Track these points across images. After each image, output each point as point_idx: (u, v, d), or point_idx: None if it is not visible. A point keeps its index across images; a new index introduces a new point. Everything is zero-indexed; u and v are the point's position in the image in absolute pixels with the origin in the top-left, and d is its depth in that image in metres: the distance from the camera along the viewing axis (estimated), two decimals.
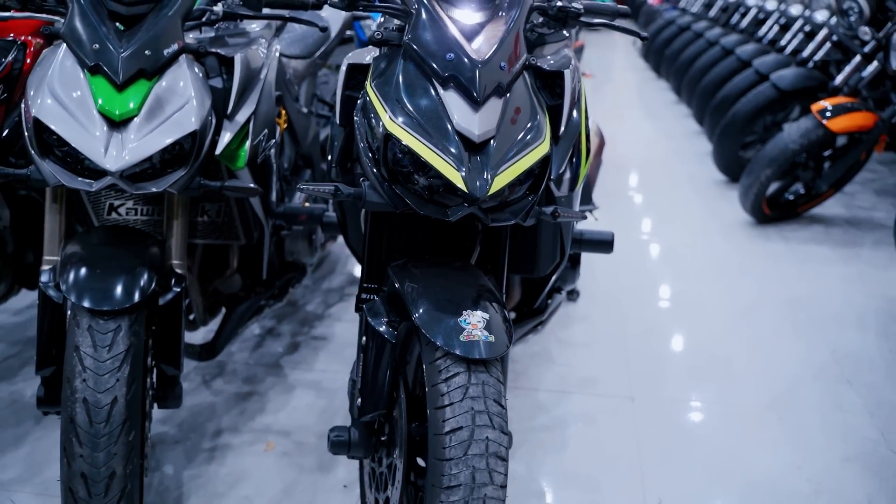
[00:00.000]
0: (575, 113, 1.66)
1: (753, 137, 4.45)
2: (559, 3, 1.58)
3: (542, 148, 1.40)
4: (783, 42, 5.01)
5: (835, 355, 2.68)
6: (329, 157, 1.68)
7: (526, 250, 1.72)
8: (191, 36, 1.80)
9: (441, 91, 1.36)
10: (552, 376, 2.51)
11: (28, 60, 2.17)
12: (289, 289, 2.30)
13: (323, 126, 2.75)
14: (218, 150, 1.72)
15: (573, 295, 2.76)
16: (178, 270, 1.74)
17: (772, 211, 3.86)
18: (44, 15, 1.96)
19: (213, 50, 1.80)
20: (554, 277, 1.88)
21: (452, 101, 1.35)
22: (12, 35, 2.18)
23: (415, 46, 1.40)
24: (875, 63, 3.65)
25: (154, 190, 1.58)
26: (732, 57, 5.28)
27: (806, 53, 4.37)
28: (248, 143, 1.79)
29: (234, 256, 2.10)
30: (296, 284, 2.34)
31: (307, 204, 2.16)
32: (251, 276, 2.19)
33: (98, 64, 1.55)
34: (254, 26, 2.01)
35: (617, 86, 8.46)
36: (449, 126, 1.34)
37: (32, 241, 2.38)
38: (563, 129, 1.59)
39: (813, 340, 2.80)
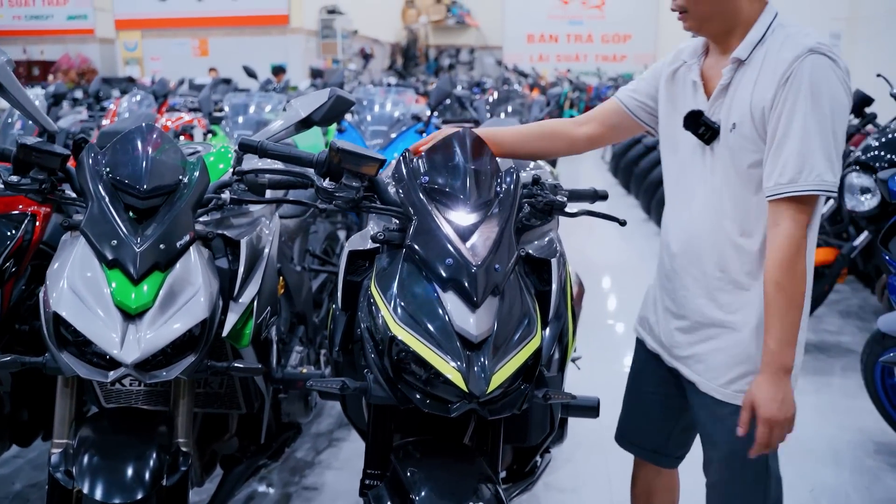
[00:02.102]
0: (561, 296, 1.79)
1: None
2: (546, 198, 1.73)
3: (535, 341, 1.51)
4: None
5: (813, 494, 2.76)
6: (330, 343, 1.78)
7: (518, 423, 1.81)
8: (199, 219, 1.92)
9: (441, 293, 1.48)
10: None
11: (37, 230, 2.29)
12: (285, 449, 2.35)
13: (314, 278, 2.86)
14: (225, 332, 1.81)
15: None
16: (184, 448, 1.80)
17: None
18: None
19: (220, 232, 1.92)
20: (545, 444, 1.97)
21: (452, 303, 1.47)
22: (21, 207, 2.30)
23: (416, 248, 1.52)
24: (832, 201, 3.89)
25: (165, 377, 1.66)
26: None
27: None
28: (252, 323, 1.89)
29: (234, 421, 2.16)
30: (291, 444, 2.39)
31: (304, 370, 2.24)
32: (249, 437, 2.23)
33: (116, 259, 1.65)
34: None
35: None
36: (449, 327, 1.45)
37: (27, 402, 2.42)
38: (551, 314, 1.71)
39: (790, 478, 2.84)
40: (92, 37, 14.21)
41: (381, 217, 1.87)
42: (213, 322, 1.75)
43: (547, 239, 1.84)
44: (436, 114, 4.35)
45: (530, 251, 1.75)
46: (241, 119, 4.40)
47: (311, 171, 1.69)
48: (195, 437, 2.14)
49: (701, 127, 1.58)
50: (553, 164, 6.42)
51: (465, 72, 18.60)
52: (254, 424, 2.20)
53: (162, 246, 1.69)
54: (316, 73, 11.85)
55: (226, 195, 1.90)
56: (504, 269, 1.53)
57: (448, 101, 5.08)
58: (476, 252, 1.52)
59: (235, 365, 1.81)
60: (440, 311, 1.46)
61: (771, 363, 1.51)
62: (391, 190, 1.68)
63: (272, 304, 1.98)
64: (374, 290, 1.54)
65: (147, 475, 1.61)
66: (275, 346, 2.11)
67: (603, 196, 1.90)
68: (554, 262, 1.73)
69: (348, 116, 4.54)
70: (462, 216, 1.58)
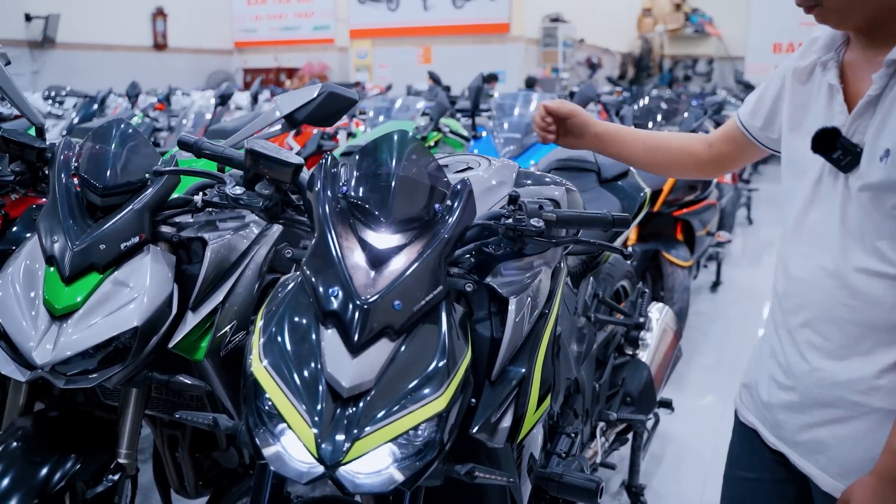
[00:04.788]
0: (532, 344, 1.42)
1: None
2: (508, 221, 1.37)
3: (437, 404, 1.19)
4: None
5: None
6: None
7: (465, 501, 1.47)
8: (178, 220, 1.81)
9: (322, 330, 1.22)
10: None
11: None
12: None
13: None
14: (171, 343, 1.68)
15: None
16: (123, 461, 1.70)
17: None
18: None
19: (199, 235, 1.79)
20: None
21: (330, 344, 1.20)
22: None
23: (306, 272, 1.27)
24: None
25: (86, 384, 1.56)
26: None
27: None
28: (210, 335, 1.74)
29: (222, 435, 2.03)
30: None
31: None
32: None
33: (52, 256, 1.59)
34: None
35: None
36: (318, 374, 1.18)
37: None
38: (496, 369, 1.36)
39: None
40: (332, 45, 15.28)
41: None
42: (154, 331, 1.63)
43: (529, 272, 1.48)
44: None
45: (495, 286, 1.41)
46: (381, 119, 4.39)
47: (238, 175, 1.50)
48: (188, 445, 2.05)
49: (837, 151, 1.15)
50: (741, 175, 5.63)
51: (701, 84, 17.41)
52: None
53: (102, 246, 1.61)
54: (530, 82, 11.71)
55: (198, 198, 1.77)
56: (409, 307, 1.23)
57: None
58: (375, 283, 1.23)
59: (177, 379, 1.68)
60: (315, 352, 1.20)
61: (888, 467, 1.11)
62: None
63: (240, 319, 1.81)
64: (258, 318, 1.31)
65: (53, 482, 1.53)
66: None
67: (623, 222, 1.47)
68: (514, 301, 1.38)
69: (486, 122, 4.30)
70: (381, 238, 1.30)
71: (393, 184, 1.32)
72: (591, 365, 2.12)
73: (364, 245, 1.29)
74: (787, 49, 16.82)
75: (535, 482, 1.65)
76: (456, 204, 1.34)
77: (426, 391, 1.19)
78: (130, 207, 1.66)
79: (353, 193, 1.33)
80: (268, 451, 1.20)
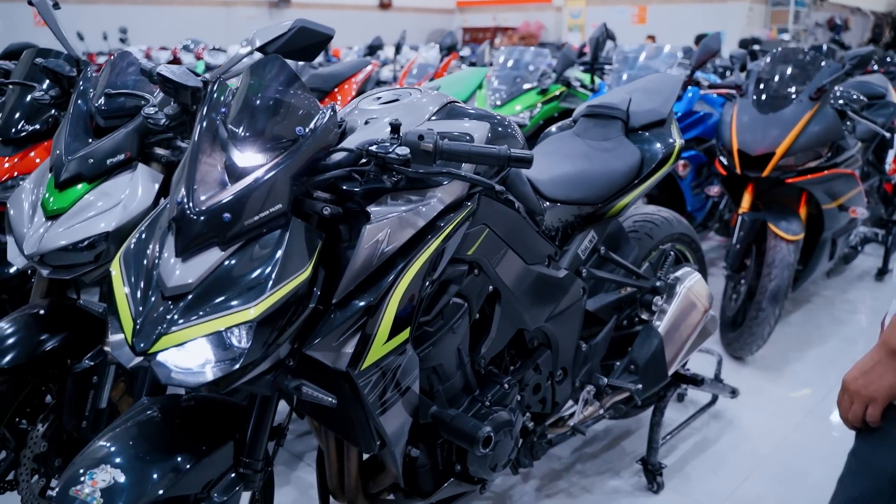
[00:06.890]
0: (392, 276, 1.45)
1: None
2: (372, 148, 1.40)
3: (245, 314, 1.28)
4: None
5: None
6: None
7: (338, 419, 1.56)
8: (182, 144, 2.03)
9: (168, 234, 1.36)
10: None
11: None
12: None
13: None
14: None
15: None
16: (106, 348, 1.97)
17: None
18: None
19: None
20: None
21: (167, 247, 1.34)
22: None
23: (171, 182, 1.41)
24: None
25: (64, 277, 1.84)
26: None
27: None
28: None
29: None
30: None
31: None
32: None
33: (52, 165, 1.88)
34: None
35: None
36: (152, 271, 1.33)
37: None
38: (339, 290, 1.41)
39: None
40: (549, 5, 15.19)
41: None
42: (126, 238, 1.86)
43: (413, 204, 1.49)
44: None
45: (373, 214, 1.45)
46: (510, 64, 4.40)
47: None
48: None
49: None
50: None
51: None
52: None
53: (91, 160, 1.86)
54: (745, 44, 10.84)
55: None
56: (240, 221, 1.32)
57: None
58: (213, 197, 1.34)
59: None
60: (156, 254, 1.35)
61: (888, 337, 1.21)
62: None
63: None
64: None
65: (46, 347, 1.89)
66: None
67: (522, 161, 1.40)
68: (367, 227, 1.41)
69: (605, 76, 4.10)
70: (244, 156, 1.40)
71: (257, 105, 1.41)
72: (575, 323, 2.05)
73: (229, 162, 1.40)
74: None
75: (433, 420, 1.69)
76: (315, 128, 1.40)
77: (239, 300, 1.28)
78: (122, 129, 1.91)
79: (232, 116, 1.44)
80: (112, 339, 1.36)
